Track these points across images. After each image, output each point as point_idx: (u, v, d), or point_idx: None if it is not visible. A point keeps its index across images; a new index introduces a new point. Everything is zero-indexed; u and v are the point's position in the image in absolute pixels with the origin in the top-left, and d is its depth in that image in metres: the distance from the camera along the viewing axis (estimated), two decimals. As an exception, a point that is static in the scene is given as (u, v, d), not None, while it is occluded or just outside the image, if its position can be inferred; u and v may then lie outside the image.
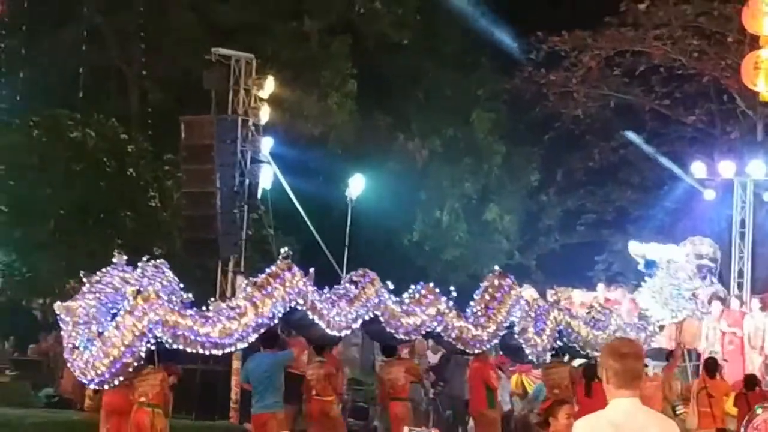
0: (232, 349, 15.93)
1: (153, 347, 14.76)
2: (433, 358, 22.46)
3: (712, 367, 19.53)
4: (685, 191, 37.82)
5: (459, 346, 18.45)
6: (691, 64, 36.77)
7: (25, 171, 29.15)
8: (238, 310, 15.61)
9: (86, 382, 15.44)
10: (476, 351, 18.72)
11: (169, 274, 16.60)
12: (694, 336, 25.35)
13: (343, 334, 17.30)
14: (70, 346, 15.09)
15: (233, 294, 24.42)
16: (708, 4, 35.95)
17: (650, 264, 25.58)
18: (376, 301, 17.23)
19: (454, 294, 18.63)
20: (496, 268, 20.30)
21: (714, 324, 25.61)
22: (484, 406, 19.01)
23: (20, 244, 29.23)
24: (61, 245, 28.83)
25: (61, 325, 15.54)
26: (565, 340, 19.81)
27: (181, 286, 16.56)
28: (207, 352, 15.74)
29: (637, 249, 26.59)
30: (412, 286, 18.34)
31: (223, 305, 15.88)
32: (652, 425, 6.19)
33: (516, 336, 19.07)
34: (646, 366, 22.08)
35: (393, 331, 17.58)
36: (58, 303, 15.99)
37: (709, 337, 25.45)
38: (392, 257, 33.26)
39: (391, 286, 17.69)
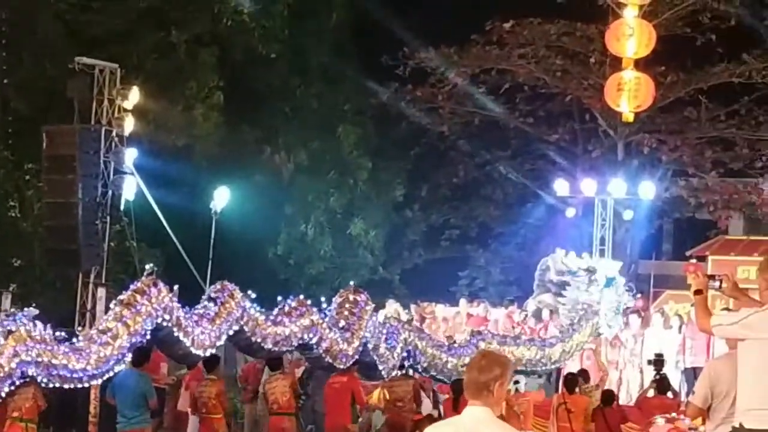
0: (110, 374, 15.67)
1: (18, 383, 14.37)
2: (296, 373, 22.39)
3: (571, 382, 19.80)
4: (548, 208, 38.44)
5: (327, 359, 18.46)
6: (555, 83, 37.38)
7: None
8: (110, 334, 15.33)
9: None
10: (341, 366, 18.76)
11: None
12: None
13: (208, 353, 17.14)
14: None
15: (94, 305, 24.17)
16: (571, 25, 36.59)
17: (610, 281, 26.09)
18: (239, 313, 17.12)
19: (325, 305, 18.68)
20: (351, 283, 20.48)
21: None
22: (348, 421, 19.01)
23: None
24: None
25: None
26: (411, 360, 20.10)
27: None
28: (86, 385, 15.51)
29: (574, 262, 26.88)
30: (280, 298, 18.31)
31: (93, 331, 15.59)
32: None
33: (371, 352, 19.20)
34: (517, 382, 22.43)
35: (260, 341, 17.48)
36: None
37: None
38: (257, 270, 33.12)
39: (253, 296, 17.60)
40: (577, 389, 19.79)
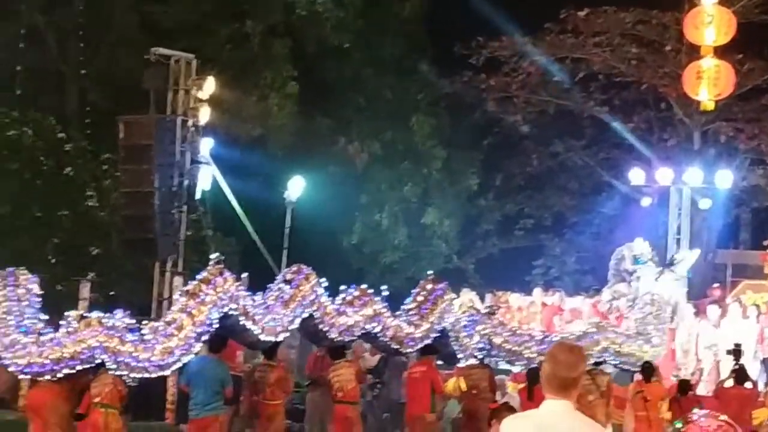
0: (178, 365, 15.62)
1: (81, 367, 14.46)
2: (372, 360, 22.42)
3: (648, 370, 19.66)
4: (623, 198, 38.16)
5: (394, 345, 18.44)
6: (630, 71, 37.06)
7: (-40, 169, 28.83)
8: (174, 325, 15.36)
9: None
10: (408, 350, 18.74)
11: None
12: None
13: (280, 338, 17.12)
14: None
15: (170, 294, 24.35)
16: (646, 13, 36.27)
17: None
18: (312, 297, 17.11)
19: (386, 293, 18.62)
20: (430, 272, 20.39)
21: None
22: (426, 410, 18.97)
23: (-45, 242, 28.89)
24: (-4, 244, 28.52)
25: None
26: (485, 352, 19.97)
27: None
28: (153, 375, 15.54)
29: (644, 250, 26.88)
30: (343, 287, 18.29)
31: (159, 324, 15.63)
32: (578, 429, 6.12)
33: (451, 342, 19.16)
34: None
35: (327, 329, 17.45)
36: None
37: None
38: (331, 259, 33.17)
39: (326, 284, 17.57)
40: (653, 378, 19.64)
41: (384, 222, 38.01)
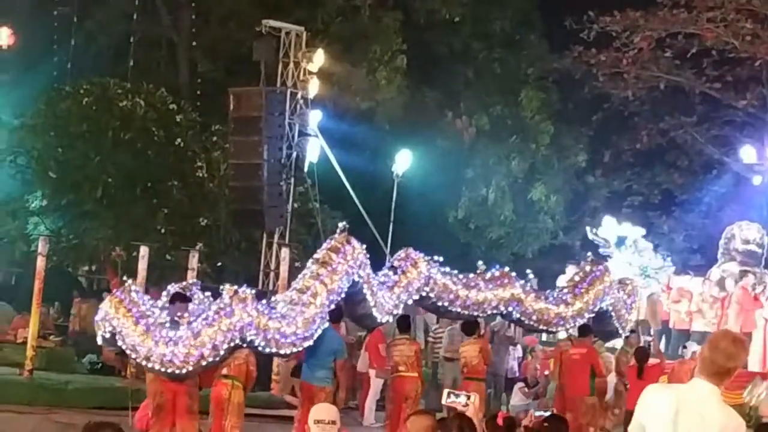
0: (318, 333, 15.45)
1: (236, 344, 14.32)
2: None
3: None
4: (734, 176, 37.60)
5: (541, 326, 18.37)
6: (744, 47, 36.36)
7: (74, 138, 29.23)
8: (308, 293, 15.24)
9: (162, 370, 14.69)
10: (559, 329, 18.69)
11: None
12: (655, 313, 26.40)
13: (385, 319, 16.98)
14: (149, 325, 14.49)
15: (278, 265, 24.56)
16: (762, -12, 35.59)
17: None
18: (421, 282, 16.90)
19: (532, 277, 18.55)
20: (589, 254, 20.19)
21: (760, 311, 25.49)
22: (586, 393, 18.77)
23: (68, 211, 29.34)
24: (108, 213, 28.92)
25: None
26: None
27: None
28: (299, 349, 15.41)
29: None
30: (480, 263, 18.22)
31: (291, 292, 15.50)
32: (719, 414, 6.11)
33: (613, 321, 19.12)
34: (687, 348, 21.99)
35: (447, 304, 17.27)
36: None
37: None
38: (437, 233, 33.24)
39: (440, 260, 17.40)
40: None
41: (490, 197, 37.91)
